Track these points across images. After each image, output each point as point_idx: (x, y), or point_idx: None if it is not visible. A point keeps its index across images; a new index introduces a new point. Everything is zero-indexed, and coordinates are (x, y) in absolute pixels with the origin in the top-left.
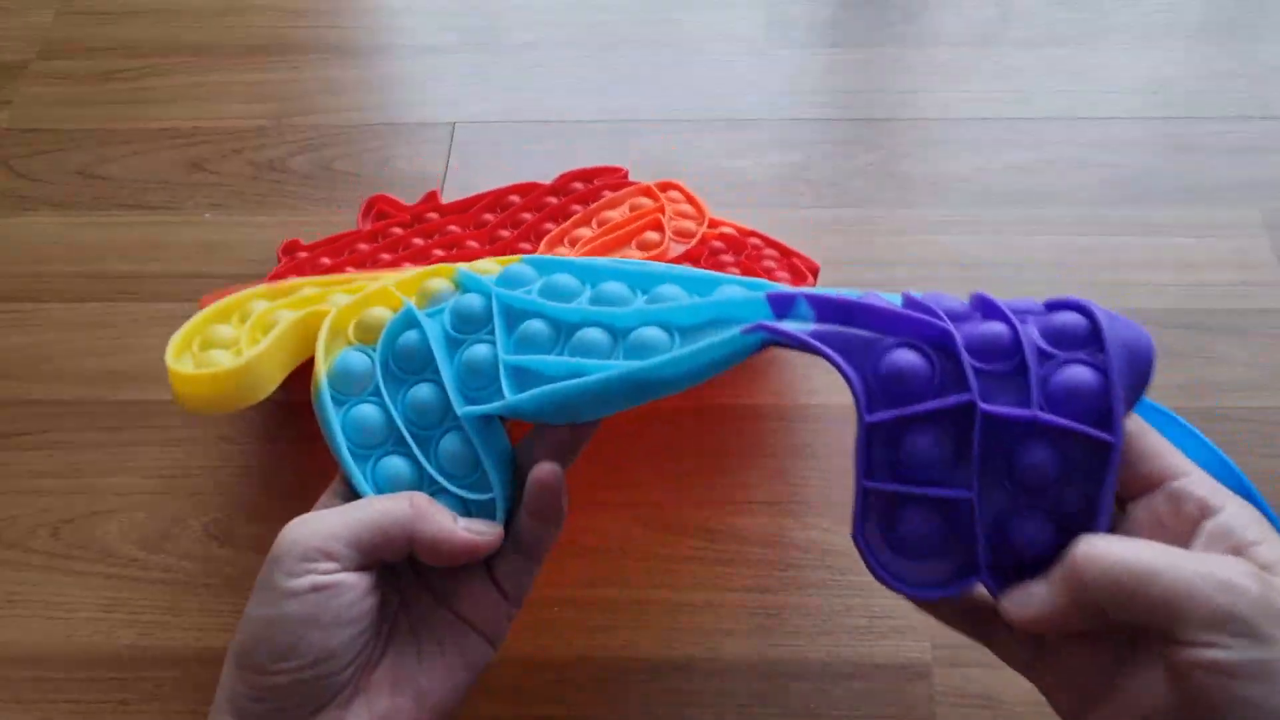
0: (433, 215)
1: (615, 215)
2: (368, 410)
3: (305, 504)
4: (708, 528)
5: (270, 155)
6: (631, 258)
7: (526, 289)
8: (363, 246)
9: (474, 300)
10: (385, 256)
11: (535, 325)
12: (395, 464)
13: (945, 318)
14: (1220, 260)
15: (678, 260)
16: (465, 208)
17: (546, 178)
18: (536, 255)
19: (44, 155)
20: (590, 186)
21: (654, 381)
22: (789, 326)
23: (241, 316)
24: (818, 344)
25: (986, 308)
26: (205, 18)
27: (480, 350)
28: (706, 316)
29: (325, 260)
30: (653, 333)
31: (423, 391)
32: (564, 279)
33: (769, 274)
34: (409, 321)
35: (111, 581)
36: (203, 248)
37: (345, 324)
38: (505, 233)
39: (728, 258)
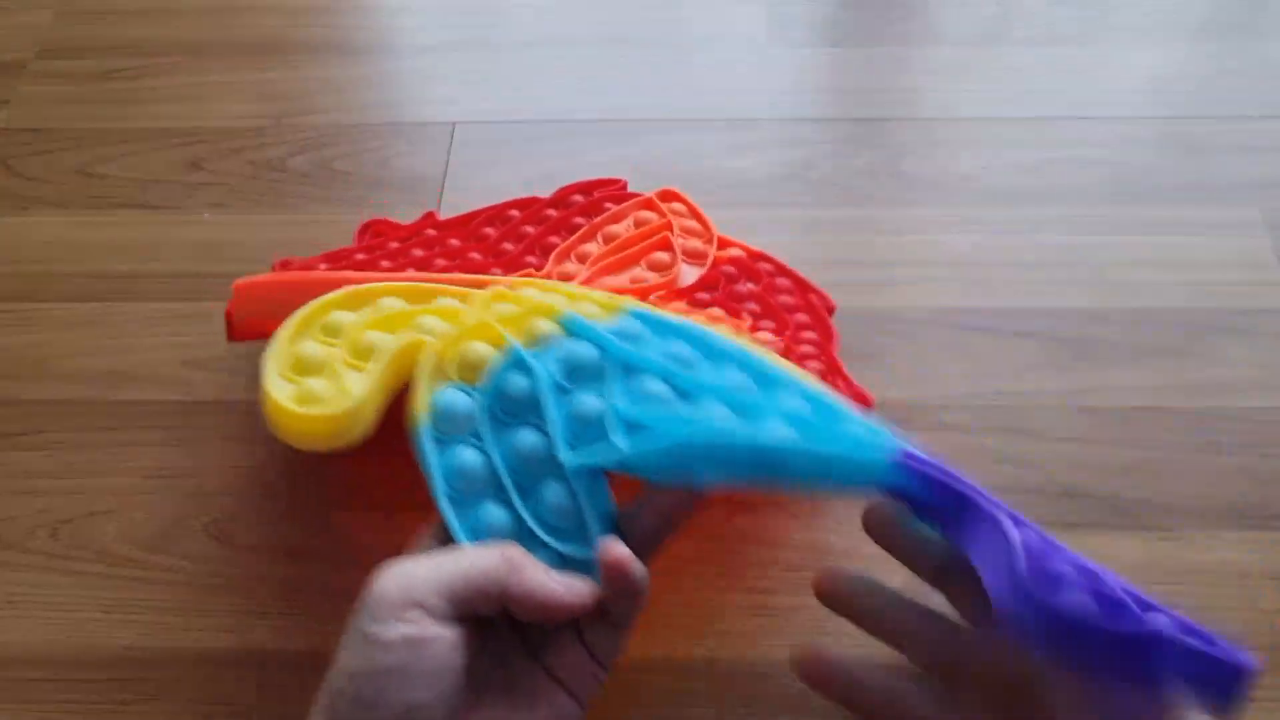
0: (431, 232)
1: (620, 230)
2: (469, 455)
3: (305, 504)
4: (708, 527)
5: (270, 155)
6: (643, 279)
7: (641, 348)
8: (360, 257)
9: (586, 350)
10: (385, 263)
11: (655, 386)
12: (493, 512)
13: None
14: (1221, 260)
15: (695, 287)
16: (463, 224)
17: (548, 178)
18: (643, 310)
19: (43, 155)
20: (590, 199)
21: (780, 461)
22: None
23: (325, 330)
24: (971, 485)
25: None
26: (204, 17)
27: (592, 401)
28: (834, 448)
29: (323, 267)
30: (785, 431)
31: (527, 438)
32: (683, 349)
33: (788, 310)
34: (517, 364)
35: (110, 582)
36: (202, 247)
37: (446, 357)
38: (509, 246)
39: (743, 287)
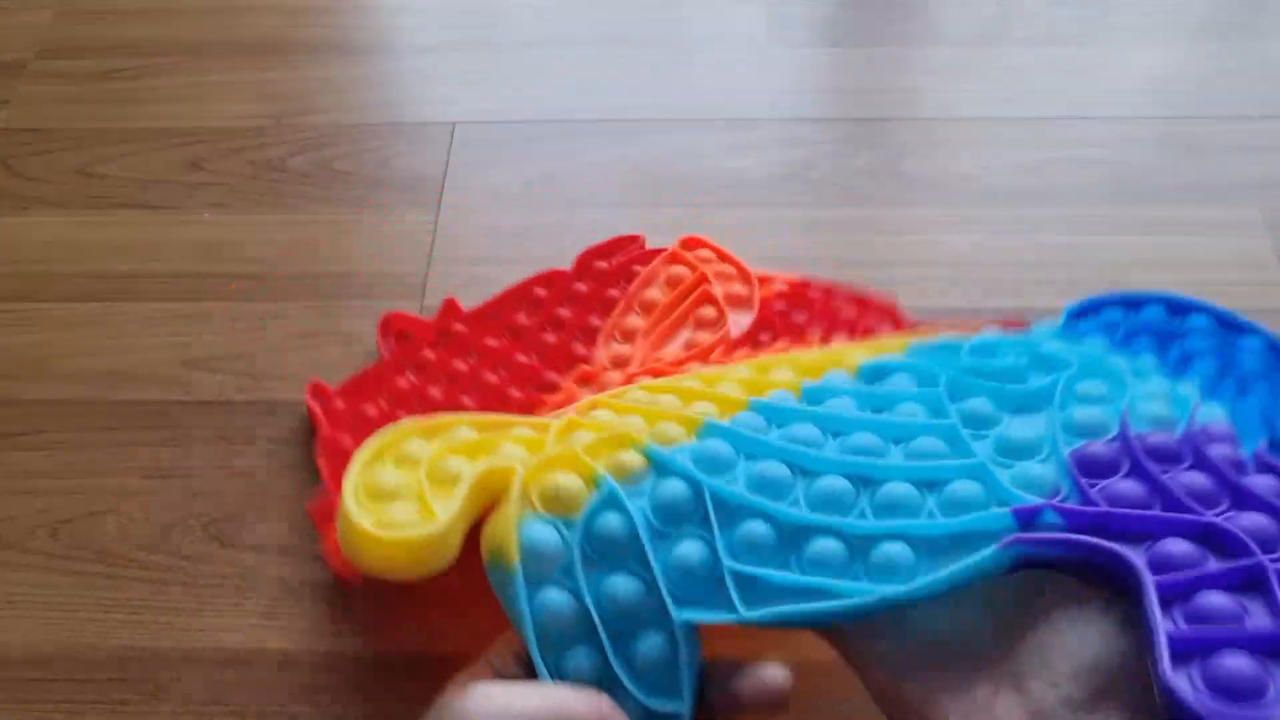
0: (459, 327)
1: (655, 294)
2: (559, 598)
3: (303, 504)
4: None
5: (270, 155)
6: (696, 340)
7: (731, 477)
8: (401, 384)
9: (677, 489)
10: (434, 392)
11: (758, 528)
12: (582, 657)
13: (1202, 510)
14: (1221, 260)
15: (752, 333)
16: (490, 313)
17: (548, 178)
18: (721, 424)
19: (43, 155)
20: (614, 264)
21: (902, 604)
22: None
23: (399, 460)
24: (1091, 541)
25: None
26: (204, 17)
27: (693, 549)
28: (948, 531)
29: (370, 410)
30: (897, 550)
31: (623, 585)
32: (776, 469)
33: (851, 326)
34: (610, 502)
35: (110, 582)
36: (202, 247)
37: (533, 487)
38: (551, 338)
39: (800, 316)
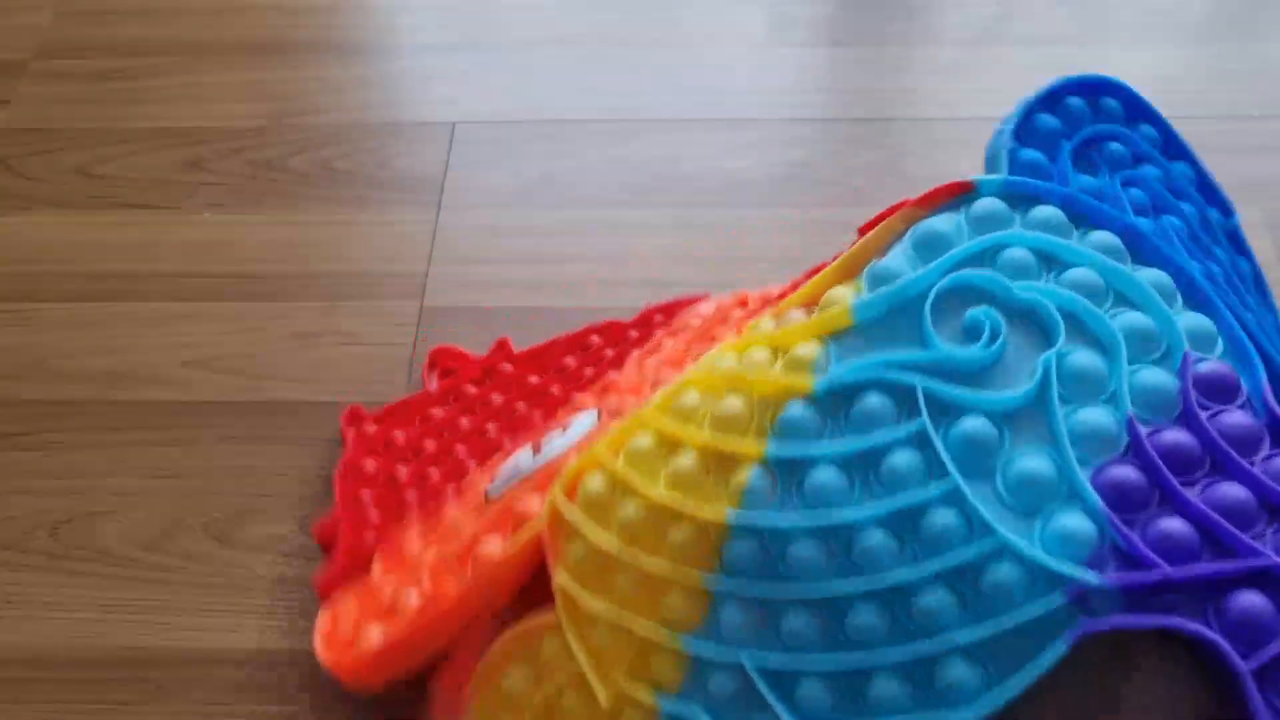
0: (506, 366)
1: (696, 322)
2: None
3: (303, 505)
4: None
5: (269, 155)
6: (723, 335)
7: (749, 653)
8: (436, 412)
9: (725, 682)
10: (463, 422)
11: (814, 690)
12: None
13: (1251, 544)
14: None
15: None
16: (541, 354)
17: (548, 178)
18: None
19: (43, 155)
20: (673, 320)
21: None
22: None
23: (529, 661)
24: (1164, 621)
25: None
26: (204, 17)
27: None
28: (1001, 630)
29: (399, 436)
30: (958, 672)
31: None
32: (800, 621)
33: None
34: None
35: (110, 582)
36: (202, 248)
37: None
38: (589, 370)
39: None
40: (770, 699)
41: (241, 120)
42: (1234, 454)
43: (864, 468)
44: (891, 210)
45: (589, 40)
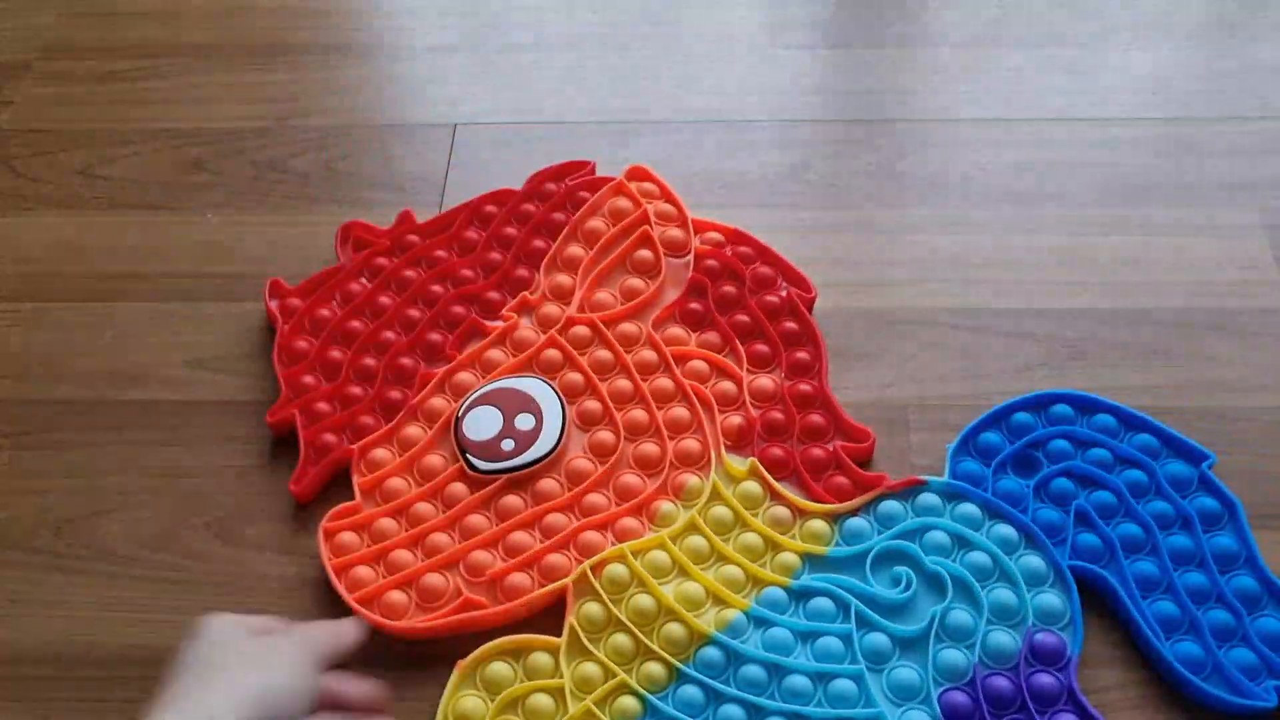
0: (413, 238)
1: (599, 224)
2: None
3: (304, 504)
4: None
5: (271, 155)
6: (631, 285)
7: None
8: (354, 288)
9: None
10: (384, 300)
11: None
12: None
13: None
14: (1219, 260)
15: (684, 298)
16: (443, 225)
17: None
18: (692, 672)
19: (45, 155)
20: (563, 188)
21: None
22: None
23: (483, 683)
24: None
25: None
26: (206, 19)
27: None
28: None
29: (324, 312)
30: None
31: None
32: (736, 713)
33: (774, 312)
34: None
35: (113, 580)
36: (203, 248)
37: None
38: (497, 255)
39: (729, 289)
40: None
41: (244, 121)
42: (1034, 706)
43: (807, 639)
44: (877, 480)
45: (589, 42)
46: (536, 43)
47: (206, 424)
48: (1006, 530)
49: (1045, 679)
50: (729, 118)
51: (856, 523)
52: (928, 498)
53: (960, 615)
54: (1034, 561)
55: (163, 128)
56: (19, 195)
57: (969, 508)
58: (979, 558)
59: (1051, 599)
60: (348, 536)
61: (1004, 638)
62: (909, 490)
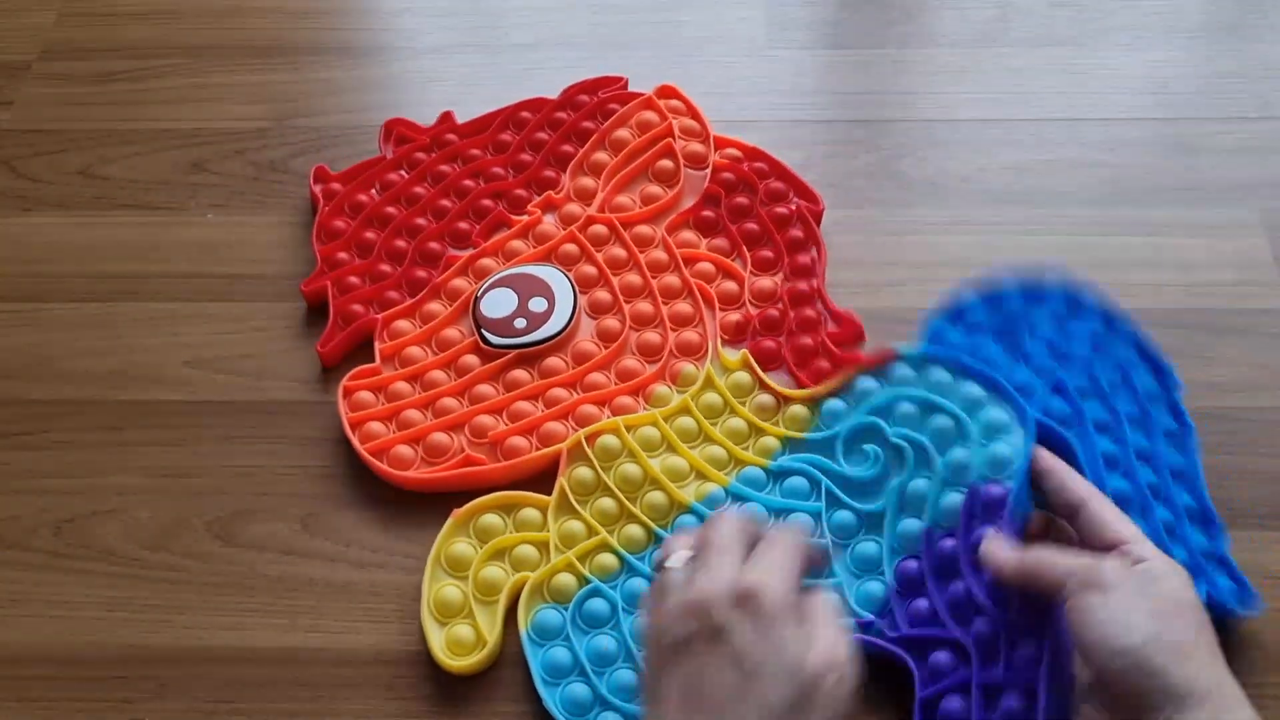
0: (451, 137)
1: (625, 134)
2: (560, 653)
3: (305, 504)
4: None
5: (271, 156)
6: (650, 191)
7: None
8: (392, 178)
9: (640, 582)
10: (418, 190)
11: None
12: (578, 689)
13: (955, 626)
14: (1219, 260)
15: (699, 205)
16: (480, 128)
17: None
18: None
19: (45, 156)
20: (595, 99)
21: None
22: None
23: (476, 531)
24: (891, 651)
25: None
26: (206, 19)
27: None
28: None
29: (363, 197)
30: None
31: (603, 641)
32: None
33: (782, 223)
34: (595, 592)
35: (113, 580)
36: (203, 248)
37: (542, 586)
38: (527, 157)
39: (741, 199)
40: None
41: (244, 121)
42: (972, 564)
43: (780, 516)
44: (852, 360)
45: (589, 42)
46: (536, 42)
47: (207, 424)
48: (973, 389)
49: (984, 533)
50: (729, 117)
51: (834, 405)
52: (902, 370)
53: (919, 484)
54: (996, 414)
55: (163, 128)
56: (19, 195)
57: (940, 372)
58: (942, 420)
59: (1001, 448)
60: (365, 395)
61: (956, 497)
62: (885, 365)
